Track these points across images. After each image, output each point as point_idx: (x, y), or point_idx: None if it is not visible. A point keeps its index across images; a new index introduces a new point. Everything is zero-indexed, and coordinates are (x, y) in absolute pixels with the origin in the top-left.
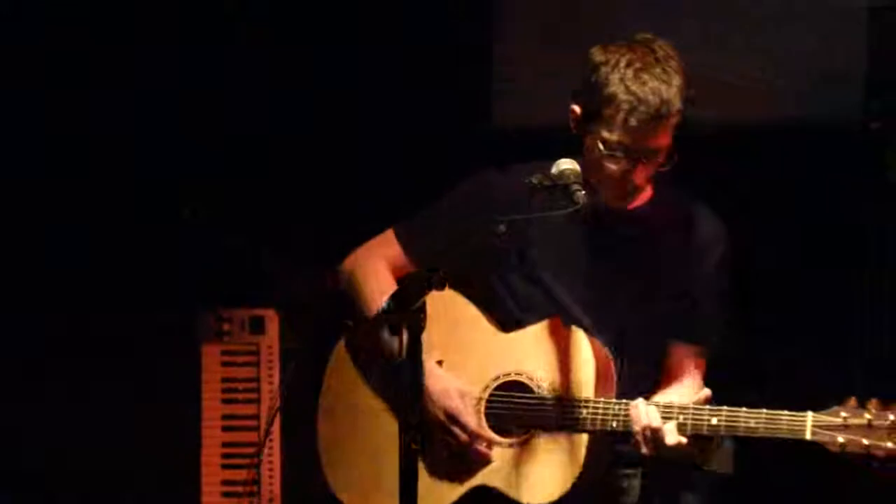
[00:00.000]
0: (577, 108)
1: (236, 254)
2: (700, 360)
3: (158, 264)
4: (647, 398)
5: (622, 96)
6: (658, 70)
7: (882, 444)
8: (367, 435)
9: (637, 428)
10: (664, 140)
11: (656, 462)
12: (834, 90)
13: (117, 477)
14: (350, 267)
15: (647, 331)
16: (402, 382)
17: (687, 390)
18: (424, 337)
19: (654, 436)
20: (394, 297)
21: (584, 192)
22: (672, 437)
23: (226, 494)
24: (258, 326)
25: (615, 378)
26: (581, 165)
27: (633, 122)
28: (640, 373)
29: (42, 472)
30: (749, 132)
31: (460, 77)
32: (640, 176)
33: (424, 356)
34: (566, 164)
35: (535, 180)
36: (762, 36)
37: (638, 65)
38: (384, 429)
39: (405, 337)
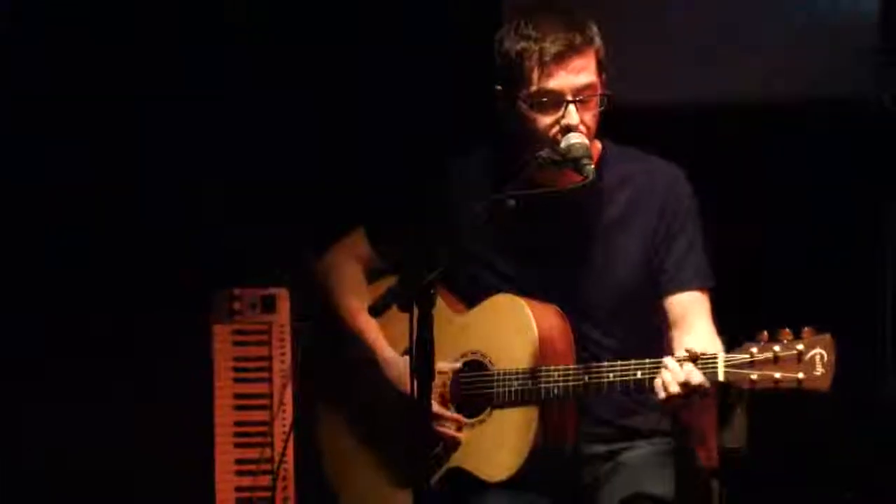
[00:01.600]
0: (498, 87)
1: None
2: (701, 302)
3: (158, 264)
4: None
5: (525, 44)
6: (550, 14)
7: (792, 375)
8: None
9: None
10: (587, 76)
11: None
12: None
13: (117, 477)
14: (324, 268)
15: (624, 295)
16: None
17: (704, 336)
18: (390, 330)
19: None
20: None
21: (593, 166)
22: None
23: (239, 473)
24: (269, 305)
25: (571, 344)
26: (520, 140)
27: (546, 58)
28: (622, 338)
29: (42, 472)
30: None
31: (461, 77)
32: (582, 121)
33: (391, 348)
34: (575, 139)
35: (544, 155)
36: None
37: (529, 19)
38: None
39: (415, 314)
